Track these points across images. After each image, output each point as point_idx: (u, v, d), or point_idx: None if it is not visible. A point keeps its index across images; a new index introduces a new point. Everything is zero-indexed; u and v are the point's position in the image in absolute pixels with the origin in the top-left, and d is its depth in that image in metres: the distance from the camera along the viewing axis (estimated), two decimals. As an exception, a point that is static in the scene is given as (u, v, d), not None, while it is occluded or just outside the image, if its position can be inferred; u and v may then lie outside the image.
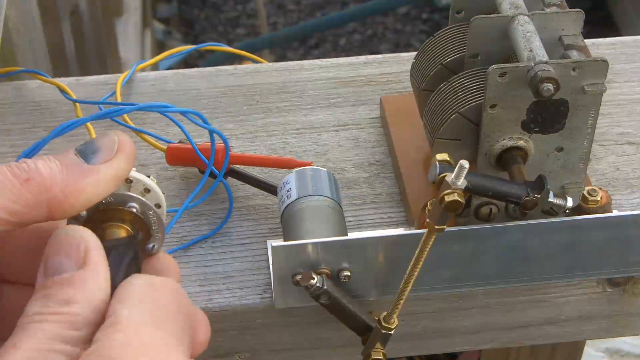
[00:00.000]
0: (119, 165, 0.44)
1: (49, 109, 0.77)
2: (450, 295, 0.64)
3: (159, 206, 0.47)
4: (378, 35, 2.64)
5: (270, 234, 0.67)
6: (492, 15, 0.62)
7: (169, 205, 0.58)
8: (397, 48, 2.58)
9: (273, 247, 0.58)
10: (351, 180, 0.70)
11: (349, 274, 0.59)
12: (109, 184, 0.44)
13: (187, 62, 2.41)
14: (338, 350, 0.66)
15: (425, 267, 0.57)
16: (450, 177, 0.53)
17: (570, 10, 0.61)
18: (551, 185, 0.60)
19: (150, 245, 0.47)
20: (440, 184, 0.55)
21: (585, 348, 0.94)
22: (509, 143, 0.60)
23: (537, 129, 0.60)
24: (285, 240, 0.61)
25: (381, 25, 2.66)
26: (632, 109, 0.76)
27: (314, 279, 0.58)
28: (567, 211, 0.60)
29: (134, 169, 0.46)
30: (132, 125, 0.72)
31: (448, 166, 0.57)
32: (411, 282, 0.57)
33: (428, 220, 0.55)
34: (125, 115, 0.73)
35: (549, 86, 0.56)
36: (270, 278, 0.63)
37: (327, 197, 0.62)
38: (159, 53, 0.85)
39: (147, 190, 0.47)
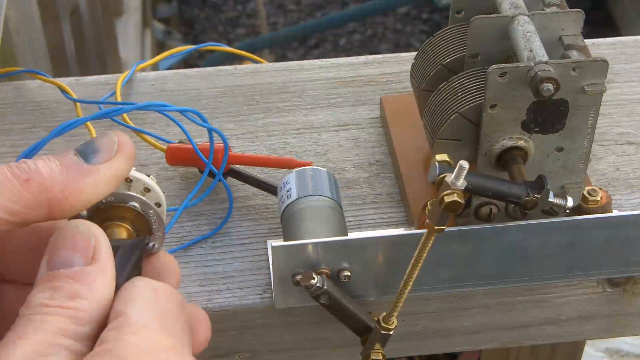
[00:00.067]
0: (119, 165, 0.44)
1: (49, 109, 0.77)
2: (450, 295, 0.64)
3: (159, 205, 0.47)
4: (378, 35, 2.64)
5: (270, 234, 0.67)
6: (492, 15, 0.62)
7: (169, 205, 0.58)
8: (397, 48, 2.58)
9: (273, 247, 0.58)
10: (351, 180, 0.70)
11: (349, 274, 0.59)
12: (109, 184, 0.44)
13: (187, 62, 2.41)
14: (338, 350, 0.66)
15: (425, 267, 0.57)
16: (450, 177, 0.53)
17: (570, 10, 0.61)
18: (551, 185, 0.60)
19: (151, 245, 0.47)
20: (440, 184, 0.55)
21: (585, 348, 0.94)
22: (509, 143, 0.60)
23: (537, 129, 0.60)
24: (285, 240, 0.61)
25: (381, 25, 2.66)
26: (632, 109, 0.76)
27: (314, 279, 0.58)
28: (567, 211, 0.60)
29: (134, 168, 0.46)
30: (132, 125, 0.72)
31: (448, 167, 0.57)
32: (411, 282, 0.57)
33: (428, 220, 0.55)
34: (125, 115, 0.73)
35: (549, 86, 0.56)
36: (270, 278, 0.63)
37: (327, 197, 0.62)
38: (159, 53, 0.85)
39: (147, 190, 0.47)
